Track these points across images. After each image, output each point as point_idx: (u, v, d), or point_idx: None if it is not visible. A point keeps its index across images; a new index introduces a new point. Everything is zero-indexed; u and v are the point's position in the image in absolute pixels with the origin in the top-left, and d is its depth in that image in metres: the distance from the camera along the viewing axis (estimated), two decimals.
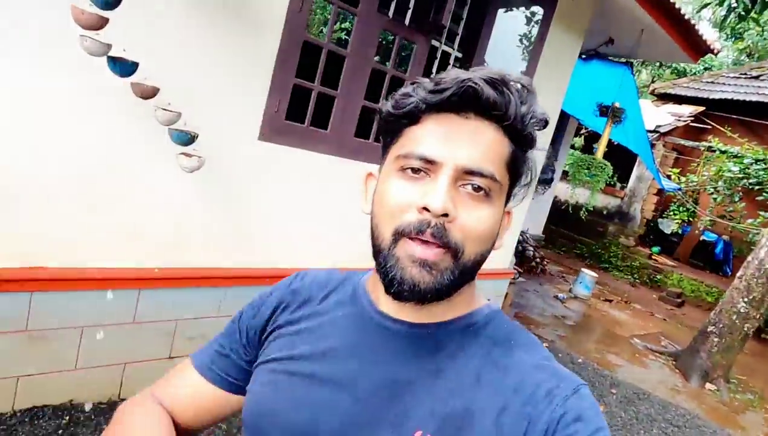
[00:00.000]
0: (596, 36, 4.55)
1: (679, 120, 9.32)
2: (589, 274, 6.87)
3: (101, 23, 1.53)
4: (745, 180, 7.51)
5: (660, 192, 9.51)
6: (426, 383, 0.59)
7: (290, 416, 0.60)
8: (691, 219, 9.17)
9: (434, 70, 3.33)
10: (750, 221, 7.27)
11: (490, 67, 0.60)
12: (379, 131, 0.64)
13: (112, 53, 1.71)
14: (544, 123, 0.60)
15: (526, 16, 4.80)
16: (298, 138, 2.62)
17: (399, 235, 0.56)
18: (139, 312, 2.32)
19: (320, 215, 2.87)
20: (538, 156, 0.66)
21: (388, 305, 0.63)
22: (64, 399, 2.21)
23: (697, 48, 4.32)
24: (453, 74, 0.57)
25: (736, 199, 7.74)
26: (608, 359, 4.83)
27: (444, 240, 0.55)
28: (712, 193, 8.15)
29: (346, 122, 2.79)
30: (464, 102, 0.56)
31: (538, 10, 3.44)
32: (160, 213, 2.25)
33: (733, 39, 14.45)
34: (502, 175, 0.59)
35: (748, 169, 7.54)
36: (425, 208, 0.54)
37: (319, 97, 2.67)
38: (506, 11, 3.98)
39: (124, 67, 1.76)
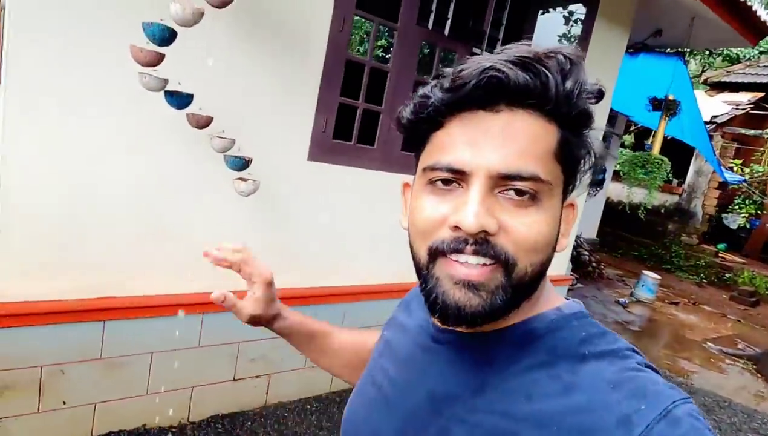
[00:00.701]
0: (643, 28, 4.39)
1: (737, 108, 8.83)
2: (651, 276, 6.54)
3: (159, 60, 1.59)
4: None
5: (722, 185, 8.99)
6: (469, 399, 0.53)
7: (361, 427, 0.63)
8: (759, 212, 8.60)
9: None
10: None
11: (522, 43, 0.49)
12: (404, 140, 0.60)
13: (168, 87, 1.79)
14: (599, 94, 0.51)
15: (564, 17, 4.70)
16: (346, 156, 2.64)
17: (434, 253, 0.50)
18: (204, 336, 2.38)
19: (371, 231, 2.87)
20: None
21: None
22: (137, 424, 2.29)
23: (755, 30, 4.08)
24: (473, 63, 0.48)
25: None
26: (680, 365, 4.55)
27: (491, 253, 0.48)
28: None
29: (392, 137, 2.79)
30: (490, 94, 0.47)
31: (580, 9, 3.35)
32: (218, 237, 2.31)
33: None
34: (550, 170, 0.49)
35: None
36: (457, 227, 0.48)
37: (365, 113, 2.69)
38: (543, 13, 3.90)
39: (180, 100, 1.83)
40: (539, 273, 0.51)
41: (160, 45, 1.56)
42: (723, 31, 4.10)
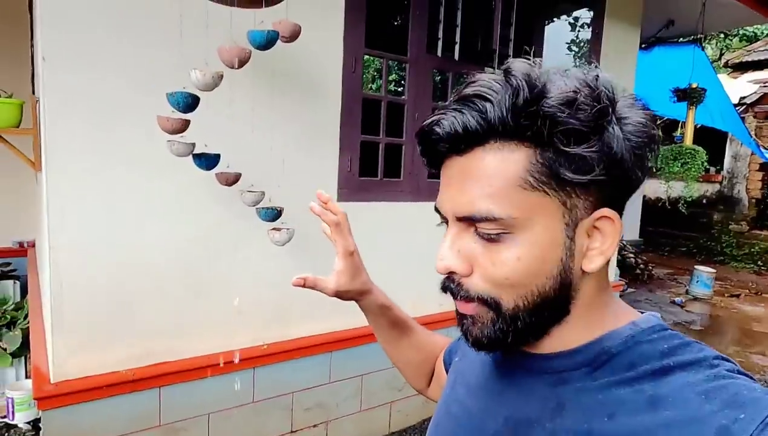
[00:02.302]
0: (654, 22, 4.33)
1: (765, 86, 8.55)
2: (705, 270, 6.25)
3: (185, 126, 1.65)
4: None
5: (763, 166, 8.63)
6: (548, 422, 0.51)
7: None
8: None
9: None
10: None
11: (487, 74, 0.48)
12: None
13: (195, 150, 1.84)
14: (567, 98, 0.44)
15: (570, 23, 4.69)
16: (375, 192, 2.65)
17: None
18: (257, 390, 2.36)
19: (409, 263, 2.85)
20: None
21: None
22: None
23: None
24: (428, 118, 0.50)
25: None
26: (753, 360, 4.27)
27: (465, 296, 0.50)
28: None
29: (417, 167, 2.79)
30: (453, 142, 0.48)
31: (584, 13, 3.35)
32: (259, 289, 2.33)
33: None
34: (513, 204, 0.46)
35: None
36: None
37: (388, 147, 2.71)
38: (549, 23, 3.90)
39: (208, 161, 1.88)
40: (542, 302, 0.49)
41: (185, 112, 1.61)
42: (737, 10, 4.01)
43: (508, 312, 0.49)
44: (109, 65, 1.85)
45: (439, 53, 2.87)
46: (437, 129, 0.48)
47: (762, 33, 12.59)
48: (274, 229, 2.01)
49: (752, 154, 8.22)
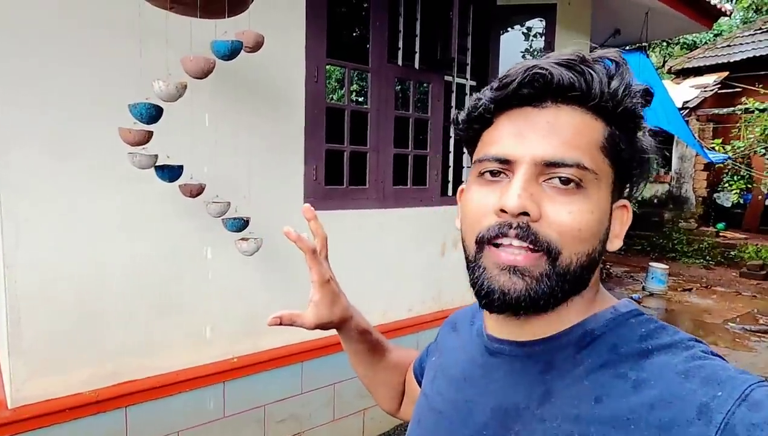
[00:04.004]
0: (601, 31, 4.55)
1: (705, 90, 9.05)
2: (659, 267, 6.53)
3: (148, 138, 1.62)
4: None
5: (708, 166, 9.11)
6: (536, 409, 0.51)
7: None
8: (749, 186, 8.69)
9: (453, 104, 3.37)
10: None
11: (569, 49, 0.52)
12: (461, 142, 0.61)
13: (157, 162, 1.81)
14: (645, 94, 0.52)
15: (523, 33, 4.85)
16: (341, 200, 2.66)
17: (481, 242, 0.52)
18: (228, 405, 2.32)
19: (376, 270, 2.87)
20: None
21: (492, 326, 0.59)
22: None
23: (708, 14, 4.24)
24: (520, 65, 0.51)
25: None
26: None
27: (533, 240, 0.49)
28: (764, 154, 7.75)
29: (382, 174, 2.82)
30: (536, 91, 0.50)
31: (537, 24, 3.48)
32: (229, 301, 2.29)
33: (733, 1, 14.17)
34: (595, 161, 0.50)
35: None
36: (502, 210, 0.49)
37: (353, 155, 2.73)
38: (504, 33, 4.03)
39: (171, 173, 1.85)
40: (587, 265, 0.51)
41: (148, 123, 1.59)
42: (678, 20, 4.26)
43: (561, 267, 0.49)
44: (65, 79, 1.80)
45: (400, 62, 2.92)
46: (542, 72, 0.50)
47: (701, 41, 13.36)
48: (241, 239, 1.99)
49: (697, 155, 8.68)
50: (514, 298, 0.50)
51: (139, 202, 2.00)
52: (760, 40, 9.16)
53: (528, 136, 0.51)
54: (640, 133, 0.54)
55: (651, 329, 0.52)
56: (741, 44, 9.45)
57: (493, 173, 0.53)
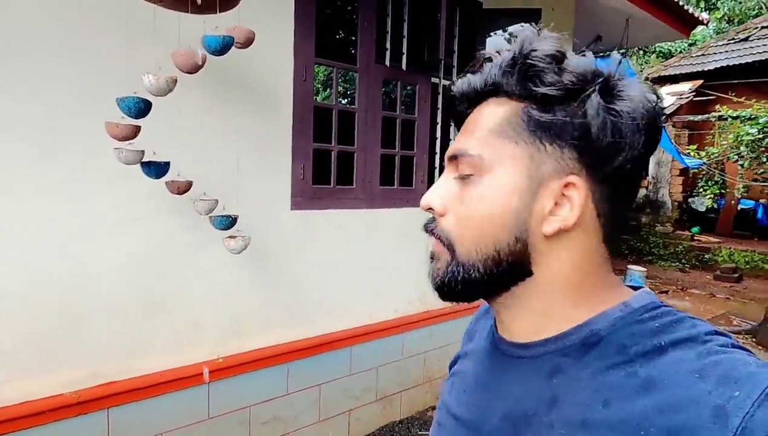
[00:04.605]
0: (584, 37, 4.63)
1: (681, 98, 9.28)
2: (637, 270, 6.64)
3: (135, 132, 1.59)
4: (766, 139, 7.33)
5: (684, 172, 9.34)
6: (545, 415, 0.49)
7: None
8: (723, 191, 8.92)
9: (439, 105, 3.40)
10: None
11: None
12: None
13: (144, 159, 1.78)
14: (552, 56, 0.47)
15: (506, 39, 4.92)
16: (328, 199, 2.66)
17: None
18: (213, 406, 2.29)
19: (363, 270, 2.86)
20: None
21: (500, 327, 0.58)
22: None
23: (686, 22, 4.36)
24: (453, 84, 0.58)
25: (764, 160, 7.54)
26: None
27: (432, 233, 0.54)
28: (737, 160, 7.96)
29: (369, 174, 2.82)
30: (469, 102, 0.55)
31: (518, 29, 3.53)
32: (213, 302, 2.27)
33: (708, 11, 14.59)
34: (486, 145, 0.50)
35: (766, 128, 7.38)
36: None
37: (341, 155, 2.73)
38: (489, 36, 4.08)
39: (158, 169, 1.82)
40: (505, 252, 0.50)
41: (136, 117, 1.56)
42: (657, 28, 4.36)
43: (461, 258, 0.51)
44: (48, 73, 1.76)
45: (388, 63, 2.93)
46: (453, 90, 0.56)
47: (676, 50, 13.72)
48: (229, 237, 1.97)
49: (673, 160, 8.89)
50: (434, 281, 0.54)
51: (124, 200, 1.97)
52: (733, 50, 9.44)
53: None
54: (590, 100, 0.47)
55: (666, 322, 0.48)
56: (715, 53, 9.72)
57: None
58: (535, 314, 0.53)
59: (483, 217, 0.50)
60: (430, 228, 0.54)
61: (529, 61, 0.48)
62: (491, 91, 0.52)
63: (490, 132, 0.51)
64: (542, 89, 0.48)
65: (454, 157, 0.53)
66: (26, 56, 1.73)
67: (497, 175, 0.50)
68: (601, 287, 0.52)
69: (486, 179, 0.50)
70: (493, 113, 0.52)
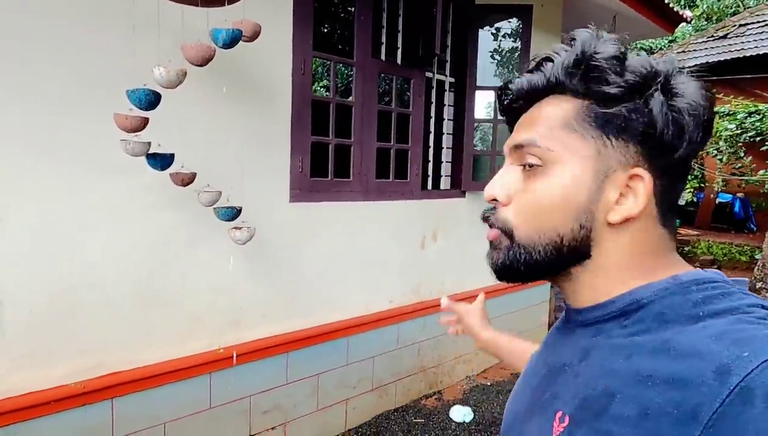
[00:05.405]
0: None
1: None
2: None
3: (144, 124, 1.61)
4: (744, 134, 7.55)
5: None
6: (576, 365, 0.55)
7: (509, 409, 0.67)
8: (702, 185, 9.16)
9: (433, 99, 3.45)
10: (762, 172, 7.27)
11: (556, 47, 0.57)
12: None
13: (150, 150, 1.79)
14: (615, 58, 0.51)
15: (492, 33, 4.98)
16: (325, 192, 2.69)
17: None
18: (214, 396, 2.32)
19: (359, 262, 2.91)
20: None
21: (565, 297, 0.62)
22: None
23: (670, 20, 4.47)
24: (504, 82, 0.62)
25: (741, 154, 7.76)
26: None
27: (494, 222, 0.57)
28: (716, 155, 8.19)
29: (365, 167, 2.86)
30: (518, 102, 0.60)
31: (505, 25, 3.58)
32: (217, 291, 2.29)
33: (688, 8, 14.87)
34: (555, 138, 0.53)
35: (744, 123, 7.60)
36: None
37: (338, 148, 2.76)
38: (480, 31, 4.12)
39: (163, 161, 1.84)
40: (552, 240, 0.54)
41: (146, 109, 1.58)
42: (643, 25, 4.47)
43: (521, 240, 0.55)
44: (49, 66, 1.76)
45: (383, 57, 2.96)
46: (510, 87, 0.59)
47: (656, 47, 13.97)
48: (234, 228, 1.99)
49: None
50: (493, 265, 0.58)
51: (125, 193, 1.98)
52: (712, 47, 9.67)
53: (515, 131, 0.59)
54: (653, 97, 0.51)
55: (711, 294, 0.49)
56: (694, 50, 9.94)
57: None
58: (592, 289, 0.56)
59: (550, 206, 0.53)
60: (488, 217, 0.58)
61: (593, 62, 0.52)
62: (552, 89, 0.56)
63: (557, 126, 0.54)
64: (607, 88, 0.52)
65: (519, 147, 0.56)
66: (22, 48, 1.72)
67: (566, 167, 0.53)
68: (658, 266, 0.54)
69: (556, 170, 0.53)
70: (557, 109, 0.55)
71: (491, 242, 0.58)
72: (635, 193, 0.52)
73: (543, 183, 0.54)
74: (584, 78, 0.53)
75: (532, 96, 0.58)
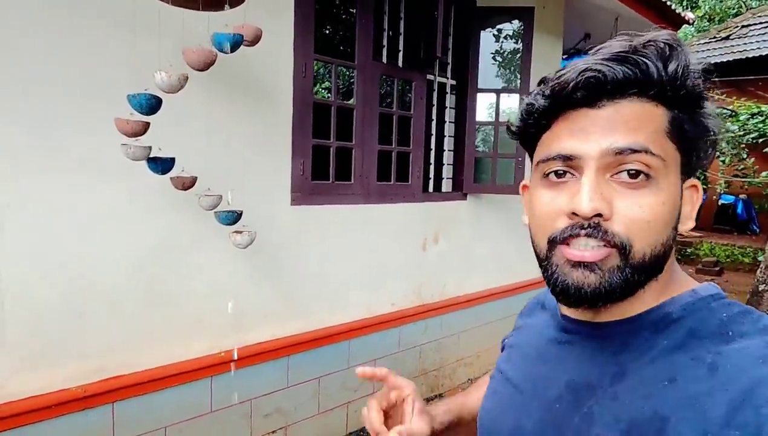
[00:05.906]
0: (573, 35, 4.71)
1: None
2: None
3: (145, 129, 1.61)
4: (747, 136, 7.54)
5: None
6: (609, 387, 0.53)
7: (502, 421, 0.64)
8: (705, 186, 9.14)
9: (435, 101, 3.44)
10: (764, 173, 7.26)
11: (617, 39, 0.51)
12: (519, 143, 0.61)
13: (150, 154, 1.79)
14: (706, 72, 0.51)
15: (494, 35, 4.97)
16: (327, 195, 2.69)
17: (553, 243, 0.53)
18: (215, 399, 2.31)
19: (361, 264, 2.90)
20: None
21: (568, 308, 0.60)
22: None
23: (672, 21, 4.46)
24: (571, 68, 0.51)
25: (744, 156, 7.75)
26: None
27: (603, 238, 0.49)
28: (718, 156, 8.17)
29: (366, 170, 2.86)
30: (590, 93, 0.50)
31: (507, 27, 3.58)
32: (217, 295, 2.29)
33: (690, 9, 14.86)
34: (662, 147, 0.50)
35: (746, 124, 7.59)
36: (574, 213, 0.50)
37: (339, 151, 2.76)
38: (482, 33, 4.12)
39: (163, 165, 1.83)
40: (662, 254, 0.51)
41: (147, 114, 1.58)
42: (644, 27, 4.45)
43: (634, 260, 0.49)
44: (53, 68, 1.77)
45: (385, 60, 2.96)
46: (595, 74, 0.49)
47: None
48: (235, 232, 1.99)
49: None
50: (588, 292, 0.50)
51: (127, 196, 1.98)
52: (714, 48, 9.66)
53: (590, 132, 0.51)
54: (706, 111, 0.52)
55: (733, 313, 0.51)
56: (696, 52, 9.92)
57: (558, 174, 0.53)
58: (631, 304, 0.54)
59: (663, 220, 0.50)
60: (595, 234, 0.50)
61: (692, 69, 0.50)
62: (644, 90, 0.50)
63: (659, 132, 0.50)
64: (698, 100, 0.51)
65: (621, 152, 0.49)
66: (29, 49, 1.72)
67: (670, 181, 0.51)
68: (674, 277, 0.56)
69: (663, 184, 0.50)
70: (652, 113, 0.50)
71: (588, 264, 0.50)
72: (692, 203, 0.55)
73: (656, 195, 0.50)
74: (681, 86, 0.50)
75: (612, 91, 0.50)
